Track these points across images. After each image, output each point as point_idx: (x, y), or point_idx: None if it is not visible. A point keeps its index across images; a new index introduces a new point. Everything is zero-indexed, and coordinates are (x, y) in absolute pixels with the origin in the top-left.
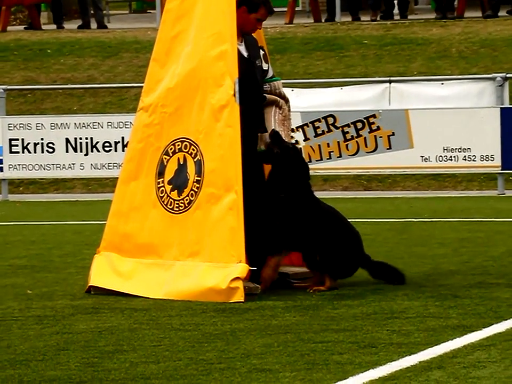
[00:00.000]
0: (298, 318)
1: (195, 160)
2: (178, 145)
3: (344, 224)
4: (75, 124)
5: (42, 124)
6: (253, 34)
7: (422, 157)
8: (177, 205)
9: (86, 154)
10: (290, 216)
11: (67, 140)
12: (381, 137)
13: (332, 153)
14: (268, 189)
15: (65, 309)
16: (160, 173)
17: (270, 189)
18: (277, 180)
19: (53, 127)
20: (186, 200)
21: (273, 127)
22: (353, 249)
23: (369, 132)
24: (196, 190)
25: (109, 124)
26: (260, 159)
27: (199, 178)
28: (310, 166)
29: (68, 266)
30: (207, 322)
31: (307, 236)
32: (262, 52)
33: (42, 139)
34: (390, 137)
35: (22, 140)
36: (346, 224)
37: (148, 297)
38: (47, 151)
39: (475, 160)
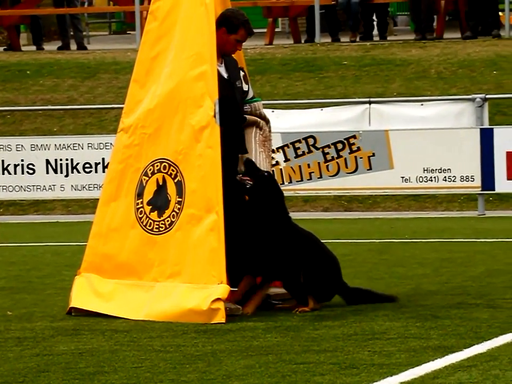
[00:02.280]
0: (280, 339)
1: (175, 181)
2: (157, 166)
3: (323, 250)
4: (55, 145)
5: (22, 145)
6: (233, 55)
7: (402, 177)
8: (157, 226)
9: (67, 176)
10: (269, 244)
11: (47, 161)
12: (361, 158)
13: (312, 174)
14: (245, 215)
15: (45, 331)
16: (139, 194)
17: (247, 216)
18: (253, 208)
19: (33, 149)
20: (167, 221)
21: (253, 148)
22: (333, 273)
23: (349, 153)
24: (177, 211)
25: (89, 145)
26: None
27: (180, 199)
28: (291, 187)
29: (47, 287)
30: (188, 343)
31: (288, 263)
32: (242, 73)
33: (22, 160)
34: (370, 158)
35: (2, 161)
36: (325, 250)
37: (129, 319)
38: (27, 172)
39: (455, 181)
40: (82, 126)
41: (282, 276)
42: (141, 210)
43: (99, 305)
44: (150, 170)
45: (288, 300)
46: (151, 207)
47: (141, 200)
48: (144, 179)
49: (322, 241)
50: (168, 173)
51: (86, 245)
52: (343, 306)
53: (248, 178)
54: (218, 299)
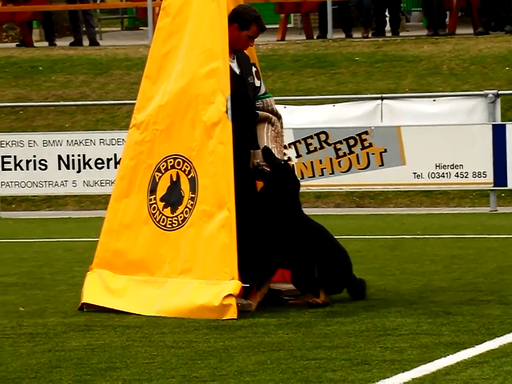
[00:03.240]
0: (291, 335)
1: (189, 177)
2: (170, 162)
3: (333, 243)
4: (67, 141)
5: (34, 141)
6: (245, 51)
7: (414, 173)
8: (170, 222)
9: (79, 172)
10: (279, 234)
11: (59, 157)
12: (373, 154)
13: (324, 170)
14: (258, 205)
15: (57, 327)
16: (152, 190)
17: (260, 206)
18: (267, 197)
19: (45, 144)
20: (180, 217)
21: (265, 144)
22: (344, 266)
23: (361, 149)
24: (190, 207)
25: (101, 140)
26: (252, 176)
27: (194, 196)
28: (303, 183)
29: (59, 283)
30: (200, 339)
31: (296, 254)
32: (254, 69)
33: (34, 156)
34: (382, 154)
35: (15, 157)
36: (335, 242)
37: (141, 314)
38: (40, 168)
39: (467, 177)
40: (94, 122)
41: (295, 267)
42: (154, 206)
43: (111, 301)
44: (163, 166)
45: (300, 296)
46: (164, 203)
47: (154, 196)
48: (157, 175)
49: (335, 237)
50: (182, 169)
51: (98, 241)
52: (355, 302)
53: (265, 164)
54: (230, 295)
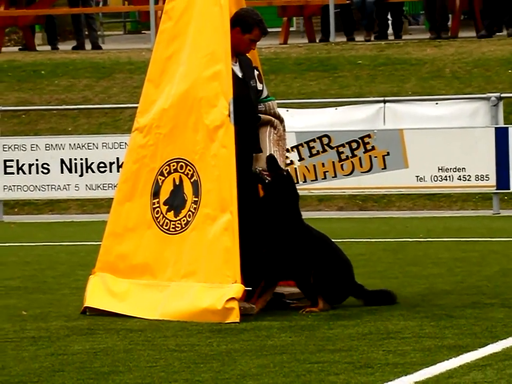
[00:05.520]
0: (294, 339)
1: (192, 180)
2: (173, 165)
3: (336, 252)
4: (70, 144)
5: (37, 145)
6: (247, 54)
7: (417, 176)
8: (174, 226)
9: (81, 175)
10: (279, 245)
11: (62, 161)
12: (375, 157)
13: (326, 173)
14: (258, 214)
15: (60, 330)
16: (155, 194)
17: (260, 215)
18: (267, 207)
19: (47, 148)
20: (184, 221)
21: (268, 147)
22: (345, 275)
23: (364, 152)
24: (193, 211)
25: (104, 144)
26: (255, 180)
27: (197, 199)
28: (305, 186)
29: (62, 287)
30: (203, 343)
31: (299, 263)
32: (256, 72)
33: (37, 160)
34: (385, 157)
35: (17, 160)
36: (338, 252)
37: (143, 318)
38: (42, 172)
39: (470, 180)
40: (97, 126)
41: (294, 275)
42: (157, 210)
43: (113, 304)
44: (166, 170)
45: (303, 299)
46: (167, 206)
47: (157, 200)
48: (160, 179)
49: (337, 240)
50: (185, 173)
51: (100, 244)
52: (358, 306)
53: (267, 173)
54: (232, 298)
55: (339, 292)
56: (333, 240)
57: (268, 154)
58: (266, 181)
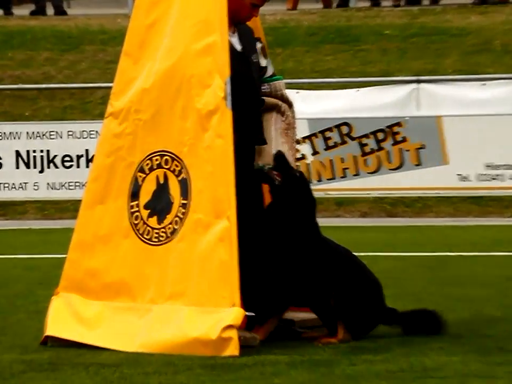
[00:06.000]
0: (307, 376)
1: (179, 178)
2: (156, 160)
3: (361, 270)
4: (27, 133)
5: None
6: (247, 23)
7: (459, 175)
8: (157, 235)
9: (41, 171)
10: (293, 262)
11: (17, 153)
12: (407, 150)
13: (346, 170)
14: (264, 225)
15: (14, 365)
16: (134, 195)
17: (267, 226)
18: (276, 216)
19: None
20: (169, 228)
21: (273, 138)
22: (373, 298)
23: (392, 144)
24: (181, 217)
25: (70, 133)
26: (258, 178)
27: (185, 202)
28: (320, 186)
29: (18, 310)
30: (193, 381)
31: (316, 284)
32: (259, 45)
33: None
34: (419, 150)
35: None
36: (364, 270)
37: (119, 350)
38: None
39: None
40: (61, 110)
41: (309, 298)
42: (137, 215)
43: (82, 333)
44: (147, 165)
45: (318, 328)
46: (149, 211)
47: (136, 202)
48: (140, 176)
49: (359, 254)
50: (171, 169)
51: (65, 257)
52: (387, 336)
53: (277, 173)
54: (230, 326)
55: (365, 318)
56: (354, 253)
57: (275, 151)
58: (276, 182)
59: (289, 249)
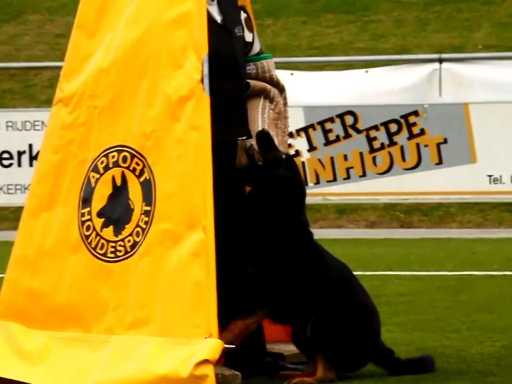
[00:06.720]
0: None
1: (141, 180)
2: (113, 156)
3: (353, 290)
4: None
5: None
6: None
7: (490, 176)
8: (113, 249)
9: None
10: (274, 267)
11: None
12: (426, 146)
13: (351, 170)
14: (243, 217)
15: None
16: (86, 200)
17: (246, 218)
18: (255, 206)
19: None
20: (128, 241)
21: (260, 129)
22: (362, 330)
23: (408, 138)
24: (144, 227)
25: (9, 124)
26: (241, 179)
27: (149, 208)
28: (317, 190)
29: None
30: None
31: (295, 302)
32: (243, 15)
33: None
34: (441, 146)
35: None
36: (359, 293)
37: None
38: None
39: None
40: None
41: (288, 317)
42: (88, 225)
43: (23, 370)
44: (102, 163)
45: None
46: (103, 219)
47: (88, 209)
48: (93, 177)
49: (364, 273)
50: (131, 168)
51: (3, 277)
52: (381, 375)
53: (259, 151)
54: (205, 361)
55: (351, 354)
56: (359, 271)
57: (258, 131)
58: (257, 163)
59: (268, 247)
